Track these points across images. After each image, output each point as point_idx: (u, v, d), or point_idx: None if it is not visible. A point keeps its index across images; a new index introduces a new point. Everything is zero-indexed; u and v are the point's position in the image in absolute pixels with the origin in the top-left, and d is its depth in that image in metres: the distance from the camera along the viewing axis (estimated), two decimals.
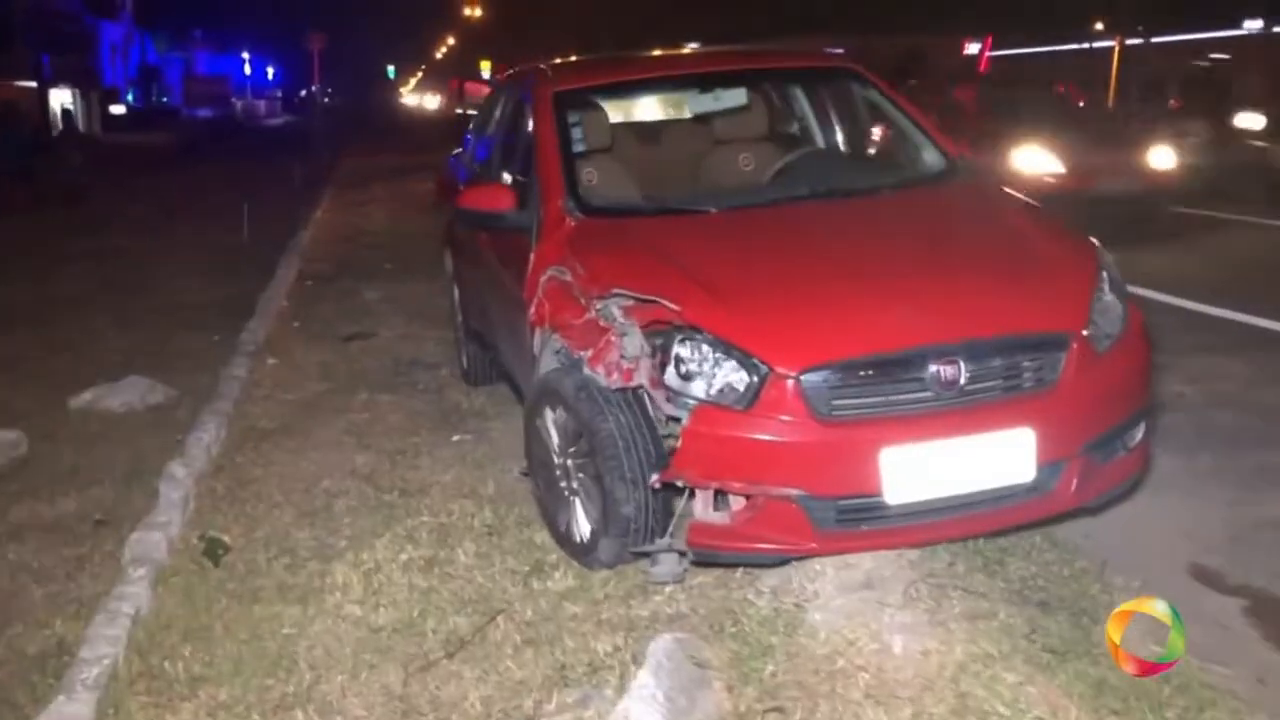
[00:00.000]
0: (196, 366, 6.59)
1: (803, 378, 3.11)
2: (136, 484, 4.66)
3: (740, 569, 3.53)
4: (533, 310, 3.83)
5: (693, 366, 3.28)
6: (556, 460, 3.85)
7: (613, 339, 3.45)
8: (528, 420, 4.00)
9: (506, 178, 4.92)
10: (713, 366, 3.23)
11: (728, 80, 4.70)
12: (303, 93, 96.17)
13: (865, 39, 42.45)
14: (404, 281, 9.32)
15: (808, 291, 3.35)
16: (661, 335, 3.38)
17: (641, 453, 3.47)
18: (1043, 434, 3.19)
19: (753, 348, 3.16)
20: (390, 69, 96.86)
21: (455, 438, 5.19)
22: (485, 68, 71.14)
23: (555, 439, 3.82)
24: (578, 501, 3.76)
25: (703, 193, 4.29)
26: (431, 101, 63.85)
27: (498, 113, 5.51)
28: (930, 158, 4.41)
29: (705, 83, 4.66)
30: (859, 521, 3.22)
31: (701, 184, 5.00)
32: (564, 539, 3.87)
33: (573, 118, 4.43)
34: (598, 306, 3.52)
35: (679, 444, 3.21)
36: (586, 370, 3.54)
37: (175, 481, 4.41)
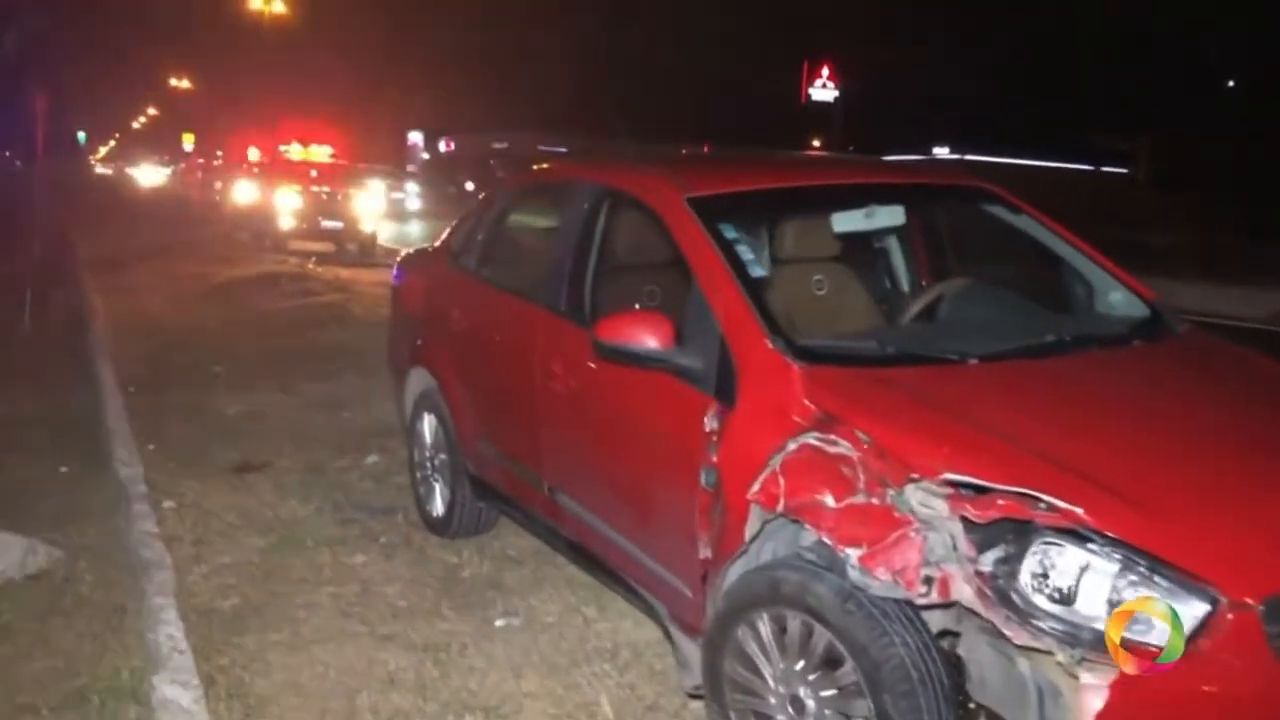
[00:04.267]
0: (63, 512, 5.07)
1: (1261, 607, 2.36)
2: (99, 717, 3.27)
3: None
4: (757, 488, 2.89)
5: (1073, 584, 2.46)
6: (775, 688, 2.91)
7: (911, 535, 2.60)
8: (721, 628, 3.03)
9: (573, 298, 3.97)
10: (1120, 587, 2.42)
11: (888, 195, 3.95)
12: None
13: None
14: (253, 390, 7.88)
15: (1222, 487, 2.62)
16: (981, 532, 2.56)
17: (936, 687, 2.63)
18: None
19: (1198, 566, 2.38)
20: (81, 135, 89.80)
21: (499, 622, 4.06)
22: (188, 140, 67.49)
23: (776, 660, 2.89)
24: None
25: (931, 335, 3.51)
26: (150, 174, 56.45)
27: (540, 212, 4.50)
28: (1125, 302, 3.80)
29: (866, 197, 3.89)
30: None
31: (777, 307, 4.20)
32: None
33: (728, 231, 3.54)
34: (893, 492, 2.66)
35: (1087, 696, 2.37)
36: (855, 573, 2.67)
37: (184, 714, 3.09)
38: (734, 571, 3.05)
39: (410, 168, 51.56)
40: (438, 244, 5.34)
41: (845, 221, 3.92)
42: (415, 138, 59.68)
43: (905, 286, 4.72)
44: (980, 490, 2.58)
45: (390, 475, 5.82)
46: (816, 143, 48.93)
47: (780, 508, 2.85)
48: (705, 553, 3.16)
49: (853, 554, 2.65)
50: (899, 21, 52.27)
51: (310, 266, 15.94)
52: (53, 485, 5.53)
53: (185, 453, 6.22)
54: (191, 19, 64.78)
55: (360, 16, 55.06)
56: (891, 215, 3.94)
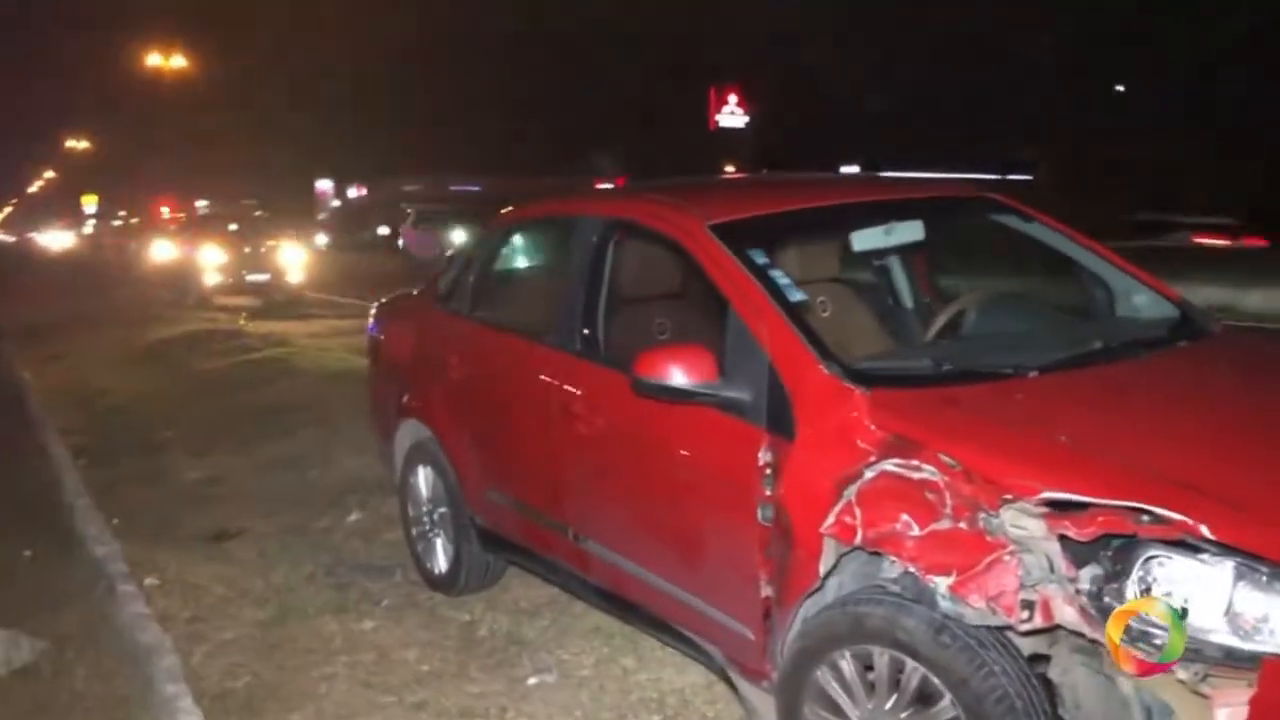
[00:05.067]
0: (36, 598, 4.76)
1: None
2: None
3: None
4: (831, 520, 2.75)
5: (1185, 598, 2.37)
6: None
7: (1005, 558, 2.48)
8: (797, 670, 2.89)
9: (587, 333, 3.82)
10: (1238, 596, 2.32)
11: (906, 211, 3.87)
12: None
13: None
14: (209, 453, 7.57)
15: None
16: (1074, 550, 2.47)
17: (1040, 716, 2.53)
18: None
19: None
20: None
21: (532, 680, 3.86)
22: (90, 202, 66.05)
23: (862, 700, 2.75)
24: None
25: (978, 350, 3.40)
26: (57, 238, 56.09)
27: (538, 250, 4.33)
28: (1151, 303, 3.75)
29: (885, 215, 3.80)
30: None
31: None
32: None
33: (758, 257, 3.42)
34: (984, 515, 2.55)
35: (1219, 713, 2.27)
36: (946, 603, 2.55)
37: None
38: (806, 610, 2.91)
39: (321, 216, 50.97)
40: (419, 289, 5.14)
41: (865, 240, 3.82)
42: (324, 185, 59.02)
43: (909, 303, 4.64)
44: (1077, 507, 2.48)
45: (378, 532, 5.58)
46: (730, 168, 49.32)
47: (858, 540, 2.71)
48: (767, 591, 3.02)
49: (942, 582, 2.53)
50: (801, 40, 53.19)
51: (242, 323, 15.51)
52: (19, 571, 5.20)
53: (153, 525, 5.92)
54: (86, 77, 63.56)
55: (264, 66, 54.49)
56: (911, 231, 3.85)
